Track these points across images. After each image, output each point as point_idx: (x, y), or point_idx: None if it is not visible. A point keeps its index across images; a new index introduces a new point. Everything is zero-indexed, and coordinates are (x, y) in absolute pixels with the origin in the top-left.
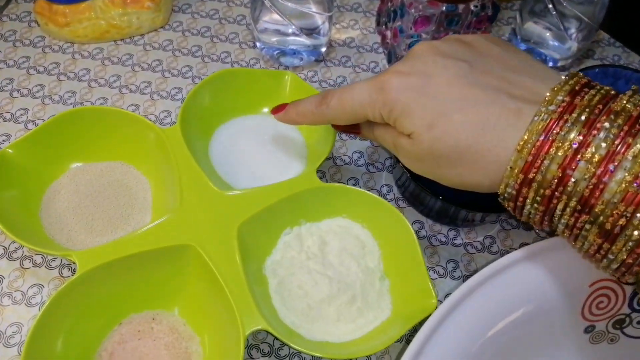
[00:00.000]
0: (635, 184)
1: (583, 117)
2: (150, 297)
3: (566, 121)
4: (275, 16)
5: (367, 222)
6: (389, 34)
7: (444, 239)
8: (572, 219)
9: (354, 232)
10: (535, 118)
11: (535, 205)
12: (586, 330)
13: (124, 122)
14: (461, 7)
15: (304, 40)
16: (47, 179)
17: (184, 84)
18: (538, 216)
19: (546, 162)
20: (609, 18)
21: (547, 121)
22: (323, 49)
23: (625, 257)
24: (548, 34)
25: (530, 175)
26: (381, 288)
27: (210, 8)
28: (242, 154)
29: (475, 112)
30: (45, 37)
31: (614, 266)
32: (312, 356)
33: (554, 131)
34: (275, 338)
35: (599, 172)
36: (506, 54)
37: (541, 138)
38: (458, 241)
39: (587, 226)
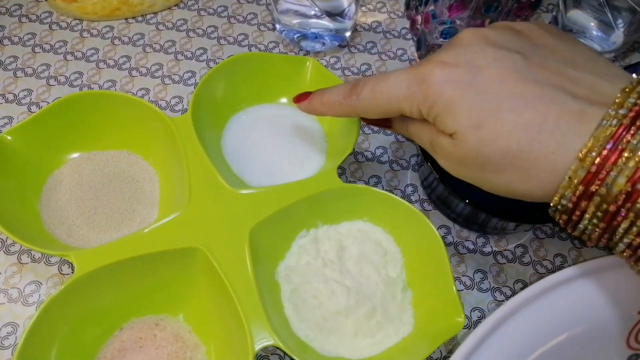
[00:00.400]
0: None
1: None
2: (154, 301)
3: (639, 128)
4: None
5: (389, 227)
6: (419, 18)
7: (471, 247)
8: (638, 240)
9: (375, 237)
10: (603, 122)
11: (594, 221)
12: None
13: (131, 108)
14: None
15: (327, 23)
16: (48, 168)
17: (198, 68)
18: (596, 233)
19: (613, 173)
20: None
21: (617, 127)
22: (347, 34)
23: None
24: (592, 23)
25: (593, 188)
26: (403, 300)
27: None
28: (257, 146)
29: (531, 112)
30: (52, 12)
31: None
32: None
33: (625, 139)
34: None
35: None
36: (564, 46)
37: (608, 146)
38: (487, 249)
39: None
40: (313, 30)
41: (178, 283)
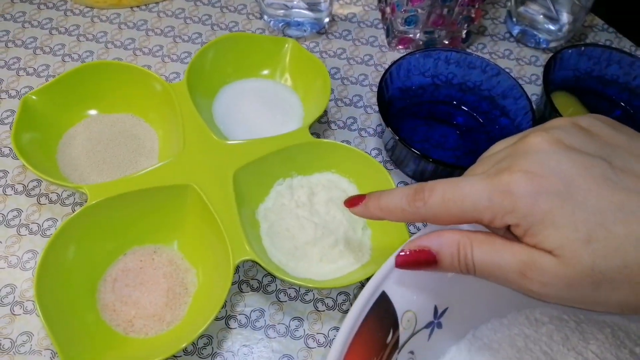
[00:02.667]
0: None
1: None
2: (152, 231)
3: None
4: None
5: (354, 177)
6: (388, 10)
7: None
8: None
9: (341, 186)
10: None
11: None
12: None
13: (136, 76)
14: None
15: (307, 12)
16: (63, 125)
17: (193, 49)
18: None
19: None
20: (604, 4)
21: None
22: (326, 20)
23: None
24: (541, 16)
25: None
26: (363, 236)
27: None
28: (243, 113)
29: (637, 223)
30: (67, 1)
31: None
32: (298, 291)
33: None
34: (266, 274)
35: None
36: (634, 142)
37: None
38: None
39: None
40: (296, 18)
41: (172, 216)
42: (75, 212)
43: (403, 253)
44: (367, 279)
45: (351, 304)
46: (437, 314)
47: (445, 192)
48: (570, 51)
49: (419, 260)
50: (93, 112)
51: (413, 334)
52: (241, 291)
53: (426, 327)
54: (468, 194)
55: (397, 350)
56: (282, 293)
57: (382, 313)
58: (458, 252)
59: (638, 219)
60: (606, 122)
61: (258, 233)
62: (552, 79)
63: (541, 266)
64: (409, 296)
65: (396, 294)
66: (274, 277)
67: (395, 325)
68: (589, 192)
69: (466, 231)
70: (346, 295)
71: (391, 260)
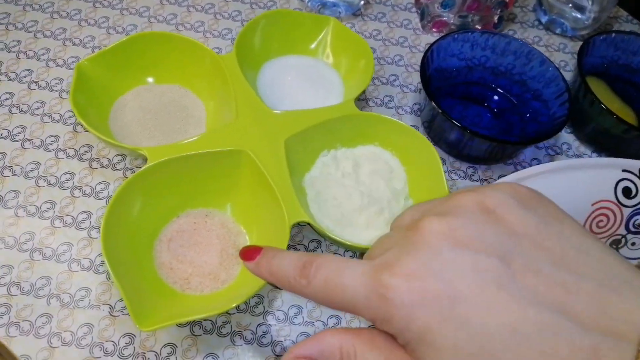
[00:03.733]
0: None
1: None
2: (205, 195)
3: None
4: None
5: (396, 150)
6: None
7: (462, 175)
8: None
9: (384, 158)
10: None
11: None
12: None
13: (185, 48)
14: None
15: None
16: (115, 93)
17: (234, 26)
18: None
19: None
20: None
21: None
22: (361, 2)
23: None
24: (570, 5)
25: None
26: (405, 206)
27: None
28: (286, 88)
29: (531, 353)
30: None
31: None
32: (344, 253)
33: None
34: (312, 240)
35: None
36: (547, 230)
37: None
38: (475, 178)
39: None
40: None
41: (226, 180)
42: (135, 173)
43: None
44: None
45: None
46: None
47: (328, 277)
48: (601, 37)
49: None
50: (143, 81)
51: None
52: (278, 288)
53: None
54: (348, 286)
55: None
56: None
57: None
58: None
59: (534, 349)
60: (520, 197)
61: (305, 200)
62: (582, 65)
63: None
64: None
65: None
66: (319, 244)
67: None
68: (475, 307)
69: (350, 331)
70: None
71: None
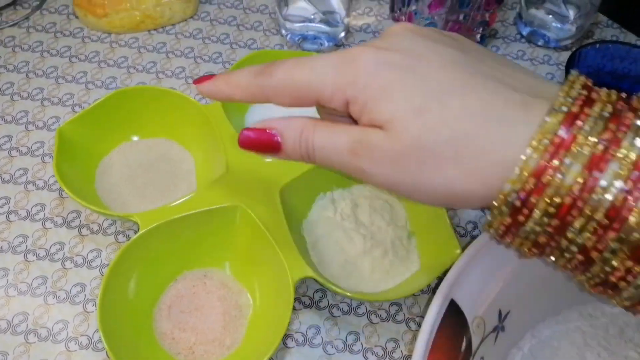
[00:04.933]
0: None
1: (607, 113)
2: (202, 255)
3: (588, 115)
4: (300, 4)
5: None
6: (403, 18)
7: None
8: (594, 237)
9: (382, 196)
10: (555, 107)
11: (544, 219)
12: None
13: (167, 99)
14: None
15: (323, 26)
16: (98, 154)
17: (216, 69)
18: (543, 235)
19: (567, 161)
20: (607, 1)
21: (566, 113)
22: (341, 35)
23: None
24: (550, 16)
25: (545, 179)
26: (409, 244)
27: None
28: None
29: (476, 99)
30: (83, 28)
31: None
32: (350, 304)
33: (577, 124)
34: (317, 290)
35: (634, 175)
36: (491, 53)
37: (560, 132)
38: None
39: (614, 245)
40: (311, 32)
41: (222, 238)
42: (129, 241)
43: (247, 133)
44: (423, 288)
45: (404, 315)
46: (501, 317)
47: (294, 65)
48: (589, 49)
49: (262, 143)
50: (127, 138)
51: (482, 340)
52: (294, 309)
53: (492, 331)
54: (316, 65)
55: (471, 357)
56: (334, 308)
57: (454, 321)
58: (300, 136)
59: (476, 94)
60: (475, 43)
61: (305, 248)
62: None
63: (371, 142)
64: (476, 302)
65: (464, 300)
66: (324, 293)
67: (466, 332)
68: (434, 68)
69: (313, 118)
70: (398, 305)
71: (456, 267)
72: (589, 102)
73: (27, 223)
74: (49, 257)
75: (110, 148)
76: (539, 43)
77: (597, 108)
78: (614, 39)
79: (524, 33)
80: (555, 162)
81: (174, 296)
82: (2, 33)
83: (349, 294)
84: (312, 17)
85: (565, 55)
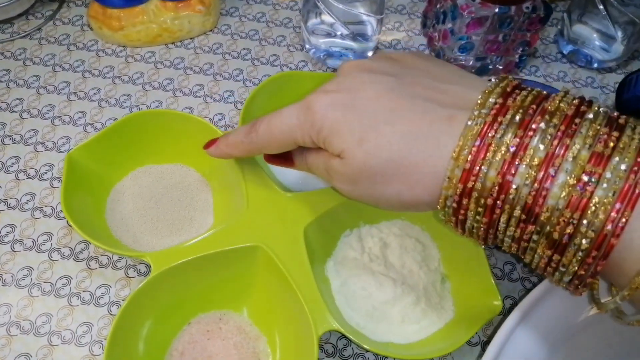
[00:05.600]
0: (578, 187)
1: (517, 118)
2: (219, 297)
3: (500, 123)
4: (325, 18)
5: (425, 224)
6: (436, 35)
7: None
8: (518, 230)
9: (413, 234)
10: (469, 122)
11: (477, 217)
12: None
13: (184, 124)
14: (514, 8)
15: (351, 43)
16: (110, 181)
17: (236, 87)
18: (482, 230)
19: (484, 168)
20: None
21: (481, 125)
22: (369, 53)
23: (576, 268)
24: (595, 35)
25: (470, 184)
26: (443, 290)
27: (257, 11)
28: None
29: (405, 122)
30: (98, 40)
31: (567, 279)
32: (377, 355)
33: (489, 134)
34: (341, 337)
35: (540, 176)
36: (434, 66)
37: (477, 143)
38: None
39: (535, 237)
40: (337, 49)
41: (240, 279)
42: (139, 287)
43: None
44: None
45: None
46: None
47: (270, 119)
48: (638, 75)
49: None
50: (140, 163)
51: None
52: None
53: None
54: (285, 117)
55: None
56: (360, 358)
57: None
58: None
59: (405, 118)
60: (418, 54)
61: (329, 292)
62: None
63: (332, 168)
64: None
65: None
66: (349, 341)
67: None
68: (369, 101)
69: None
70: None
71: (503, 330)
72: (503, 109)
73: (33, 254)
74: (54, 292)
75: (123, 174)
76: (581, 63)
77: (509, 115)
78: None
79: (565, 52)
80: (476, 168)
81: (186, 342)
82: (13, 45)
83: (378, 351)
84: (338, 32)
85: (610, 78)
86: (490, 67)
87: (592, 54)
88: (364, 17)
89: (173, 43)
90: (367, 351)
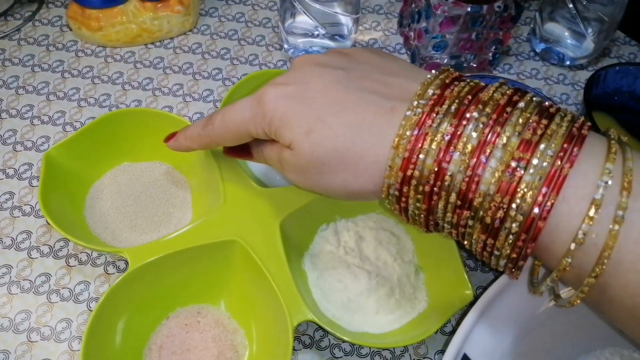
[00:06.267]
0: (507, 173)
1: (453, 108)
2: (197, 291)
3: (437, 113)
4: (303, 18)
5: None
6: (412, 34)
7: None
8: (455, 216)
9: (388, 227)
10: (408, 113)
11: (417, 204)
12: None
13: (162, 122)
14: (485, 7)
15: (328, 42)
16: (89, 179)
17: (215, 86)
18: (422, 216)
19: (422, 156)
20: (625, 17)
21: (420, 115)
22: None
23: (509, 252)
24: (567, 33)
25: (409, 172)
26: (417, 281)
27: (236, 11)
28: None
29: (350, 114)
30: (77, 41)
31: (502, 262)
32: (353, 345)
33: (427, 124)
34: (318, 329)
35: (472, 163)
36: (384, 61)
37: (415, 132)
38: None
39: (470, 222)
40: (316, 48)
41: (217, 274)
42: (116, 282)
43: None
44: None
45: (410, 356)
46: None
47: (224, 112)
48: (610, 70)
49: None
50: (119, 161)
51: None
52: (293, 348)
53: None
54: (238, 109)
55: None
56: (336, 348)
57: None
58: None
59: (351, 110)
60: (369, 50)
61: (307, 284)
62: (590, 99)
63: (284, 159)
64: (489, 354)
65: (477, 354)
66: (325, 332)
67: None
68: (317, 93)
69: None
70: (404, 346)
71: (468, 320)
72: (441, 100)
73: (12, 252)
74: (33, 290)
75: (102, 173)
76: (553, 61)
77: (445, 106)
78: (632, 57)
79: (538, 50)
80: (414, 157)
81: (165, 335)
82: None
83: (352, 340)
84: (316, 31)
85: (581, 75)
86: (464, 65)
87: (564, 52)
88: (340, 17)
89: (152, 43)
90: (343, 341)
